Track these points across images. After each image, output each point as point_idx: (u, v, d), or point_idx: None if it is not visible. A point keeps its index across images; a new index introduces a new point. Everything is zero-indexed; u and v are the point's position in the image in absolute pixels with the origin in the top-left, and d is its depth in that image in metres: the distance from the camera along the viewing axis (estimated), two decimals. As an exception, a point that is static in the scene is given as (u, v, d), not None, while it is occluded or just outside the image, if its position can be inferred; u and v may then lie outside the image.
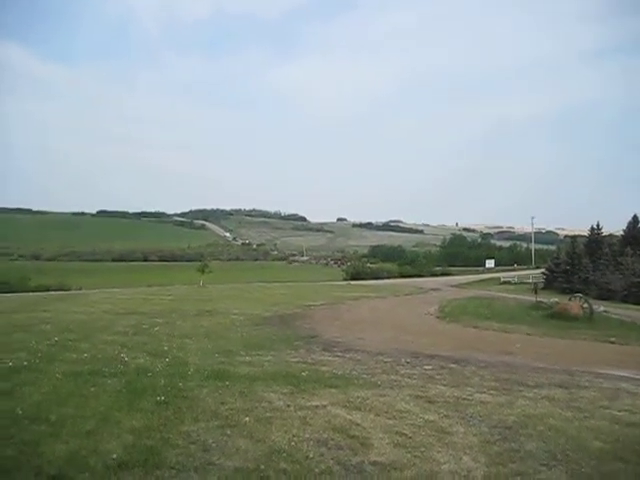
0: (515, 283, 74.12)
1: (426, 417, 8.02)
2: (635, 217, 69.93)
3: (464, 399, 9.26)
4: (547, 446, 6.82)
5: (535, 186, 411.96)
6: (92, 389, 8.76)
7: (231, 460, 6.00)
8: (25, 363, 10.65)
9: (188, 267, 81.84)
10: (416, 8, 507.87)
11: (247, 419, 7.51)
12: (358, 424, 7.56)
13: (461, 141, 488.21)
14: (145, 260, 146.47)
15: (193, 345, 14.22)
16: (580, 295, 28.80)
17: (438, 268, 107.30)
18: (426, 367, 12.49)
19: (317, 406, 8.42)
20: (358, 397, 9.06)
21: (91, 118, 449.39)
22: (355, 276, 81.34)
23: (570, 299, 28.05)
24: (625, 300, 50.66)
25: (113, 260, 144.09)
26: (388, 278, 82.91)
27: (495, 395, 9.69)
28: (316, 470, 5.79)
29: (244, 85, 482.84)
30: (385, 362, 12.98)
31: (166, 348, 13.32)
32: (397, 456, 6.32)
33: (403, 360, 13.33)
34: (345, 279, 78.72)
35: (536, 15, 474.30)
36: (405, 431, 7.32)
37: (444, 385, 10.44)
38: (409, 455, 6.36)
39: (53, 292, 43.07)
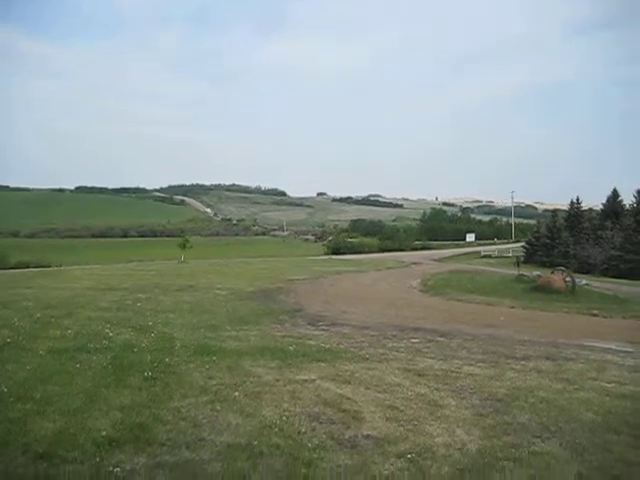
0: (495, 257, 74.29)
1: (416, 390, 7.97)
2: (615, 191, 70.30)
3: (453, 372, 9.23)
4: (539, 418, 6.79)
5: (515, 161, 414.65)
6: (77, 366, 8.62)
7: (222, 436, 5.91)
8: (8, 340, 10.47)
9: (168, 243, 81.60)
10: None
11: (236, 394, 7.42)
12: (349, 398, 7.50)
13: (442, 116, 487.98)
14: (125, 236, 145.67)
15: (178, 320, 14.09)
16: (562, 268, 28.88)
17: (418, 242, 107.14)
18: (413, 340, 12.46)
19: (306, 380, 8.35)
20: (347, 371, 9.01)
21: (68, 94, 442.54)
22: (336, 251, 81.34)
23: (552, 272, 28.15)
24: (605, 273, 50.95)
25: (93, 236, 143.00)
26: (369, 253, 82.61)
27: (483, 367, 9.67)
28: (309, 445, 5.71)
29: (229, 59, 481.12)
30: (372, 336, 12.93)
31: (151, 323, 13.19)
32: (390, 430, 6.26)
33: (389, 333, 13.30)
34: (326, 254, 78.68)
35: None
36: (397, 404, 7.27)
37: (432, 358, 10.40)
38: (402, 429, 6.30)
39: (33, 269, 42.58)
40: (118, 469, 5.02)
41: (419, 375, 8.91)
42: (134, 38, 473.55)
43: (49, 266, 47.83)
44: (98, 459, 5.18)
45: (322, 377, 8.55)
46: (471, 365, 9.83)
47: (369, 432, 6.17)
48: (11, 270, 41.20)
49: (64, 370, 8.37)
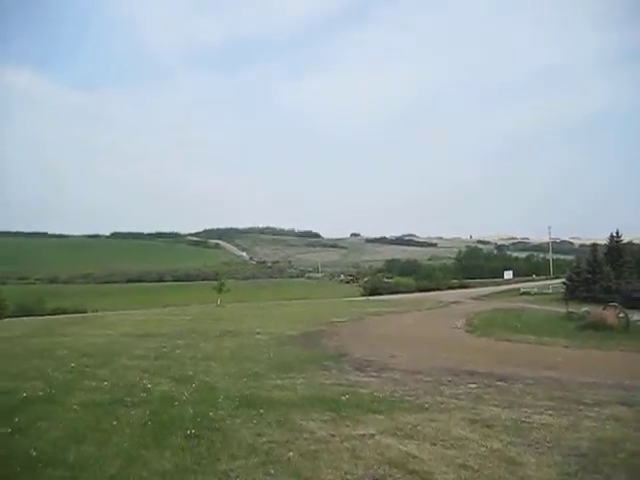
0: (535, 294, 72.90)
1: (488, 445, 7.16)
2: (656, 223, 68.84)
3: (523, 422, 8.39)
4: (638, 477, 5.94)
5: (548, 196, 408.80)
6: (114, 423, 7.94)
7: (280, 506, 5.17)
8: (40, 393, 9.91)
9: (204, 286, 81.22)
10: (427, 21, 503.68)
11: (290, 454, 6.67)
12: (415, 456, 6.71)
13: (472, 152, 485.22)
14: (160, 280, 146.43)
15: (219, 369, 13.38)
16: (615, 304, 27.74)
17: (455, 281, 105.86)
18: (470, 386, 11.61)
19: (364, 435, 7.57)
20: (407, 423, 8.22)
21: (104, 141, 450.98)
22: (373, 291, 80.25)
23: (604, 308, 27.03)
24: (651, 308, 49.46)
25: (128, 281, 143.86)
26: (405, 292, 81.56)
27: (555, 416, 8.80)
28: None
29: (257, 103, 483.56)
30: (425, 381, 12.10)
31: (191, 373, 12.51)
32: (470, 495, 5.47)
33: (444, 379, 12.46)
34: (363, 295, 77.72)
35: (549, 24, 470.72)
36: (470, 463, 6.47)
37: (496, 406, 9.55)
38: (483, 493, 5.50)
39: (70, 315, 42.46)
40: None
41: (487, 427, 8.08)
42: (170, 86, 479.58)
43: (86, 312, 47.84)
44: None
45: (381, 431, 7.77)
46: (541, 414, 8.96)
47: (446, 499, 5.38)
48: (48, 316, 41.07)
49: (100, 428, 7.71)
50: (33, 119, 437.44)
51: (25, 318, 37.31)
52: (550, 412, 9.08)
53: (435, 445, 7.17)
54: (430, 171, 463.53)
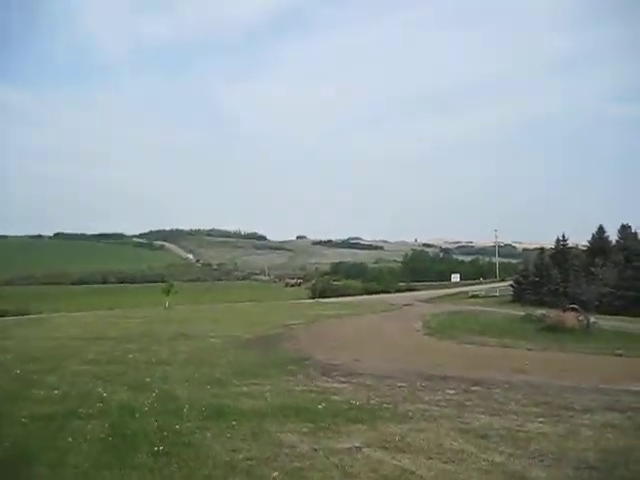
0: (484, 296, 73.56)
1: (489, 458, 6.52)
2: (601, 228, 69.88)
3: (518, 431, 7.82)
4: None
5: (491, 199, 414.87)
6: (69, 439, 6.99)
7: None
8: (-18, 404, 8.88)
9: (149, 288, 79.88)
10: (385, 27, 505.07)
11: (275, 474, 5.87)
12: (412, 472, 6.04)
13: (417, 156, 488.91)
14: (104, 282, 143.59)
15: (177, 374, 12.50)
16: (575, 306, 27.71)
17: (402, 284, 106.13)
18: (448, 391, 11.05)
19: (350, 448, 6.84)
20: (393, 434, 7.53)
21: (46, 141, 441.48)
22: (321, 294, 79.61)
23: (564, 311, 26.97)
24: (598, 310, 49.98)
25: (72, 283, 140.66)
26: (353, 295, 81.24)
27: (549, 424, 8.29)
28: None
29: (202, 106, 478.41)
30: (400, 387, 11.50)
31: (148, 379, 11.60)
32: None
33: (418, 384, 11.89)
34: (311, 297, 77.05)
35: (503, 28, 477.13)
36: (475, 480, 5.79)
37: (482, 413, 8.98)
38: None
39: (11, 317, 40.78)
40: None
41: (481, 437, 7.46)
42: (116, 84, 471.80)
43: (28, 314, 46.04)
44: None
45: (368, 444, 7.06)
46: (533, 422, 8.42)
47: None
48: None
49: (53, 445, 6.76)
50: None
51: (-38, 320, 35.58)
52: (541, 419, 8.57)
53: (432, 459, 6.48)
54: (377, 176, 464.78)
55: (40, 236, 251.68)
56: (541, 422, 8.35)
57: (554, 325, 24.71)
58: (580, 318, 25.21)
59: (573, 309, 26.91)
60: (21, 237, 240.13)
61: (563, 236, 69.54)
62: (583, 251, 71.15)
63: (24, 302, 57.20)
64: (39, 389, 10.39)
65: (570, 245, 71.34)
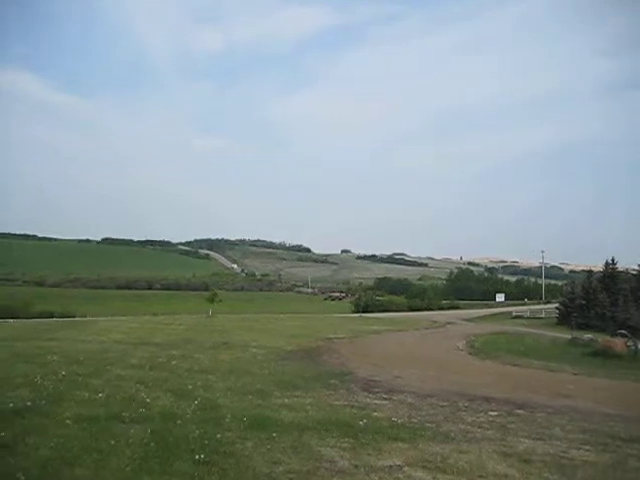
0: (527, 317, 72.50)
1: (534, 484, 6.35)
2: (652, 252, 68.71)
3: (562, 457, 7.62)
4: None
5: (539, 221, 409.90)
6: (111, 441, 7.05)
7: None
8: (28, 404, 9.00)
9: (193, 296, 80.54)
10: (426, 44, 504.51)
11: (315, 488, 5.84)
12: (454, 493, 5.91)
13: (466, 176, 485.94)
14: (149, 288, 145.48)
15: (219, 383, 12.54)
16: (624, 332, 27.13)
17: (446, 302, 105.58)
18: (491, 413, 10.83)
19: (391, 467, 6.76)
20: (435, 454, 7.41)
21: (99, 147, 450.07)
22: (365, 309, 79.48)
23: (613, 336, 26.44)
24: (646, 336, 49.04)
25: (117, 288, 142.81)
26: (397, 311, 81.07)
27: (594, 452, 8.04)
28: None
29: (250, 116, 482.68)
30: (441, 406, 11.32)
31: (190, 387, 11.64)
32: None
33: (461, 404, 11.69)
34: (354, 311, 76.97)
35: (548, 50, 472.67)
36: (519, 507, 5.67)
37: (526, 437, 8.76)
38: None
39: (58, 319, 41.45)
40: None
41: (525, 462, 7.28)
42: (164, 95, 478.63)
43: (74, 316, 46.82)
44: None
45: (409, 463, 6.95)
46: (578, 449, 8.18)
47: None
48: (34, 320, 40.02)
49: (96, 447, 6.81)
50: (32, 122, 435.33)
51: (11, 320, 36.22)
52: (587, 447, 8.31)
53: (474, 482, 6.37)
54: (424, 193, 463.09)
55: (88, 240, 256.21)
56: (586, 450, 8.12)
57: (601, 350, 24.20)
58: (628, 344, 24.68)
59: (621, 334, 26.33)
60: (70, 241, 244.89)
61: (612, 259, 68.43)
62: (633, 275, 69.82)
63: (70, 305, 58.26)
64: (83, 391, 10.51)
65: (619, 269, 70.12)
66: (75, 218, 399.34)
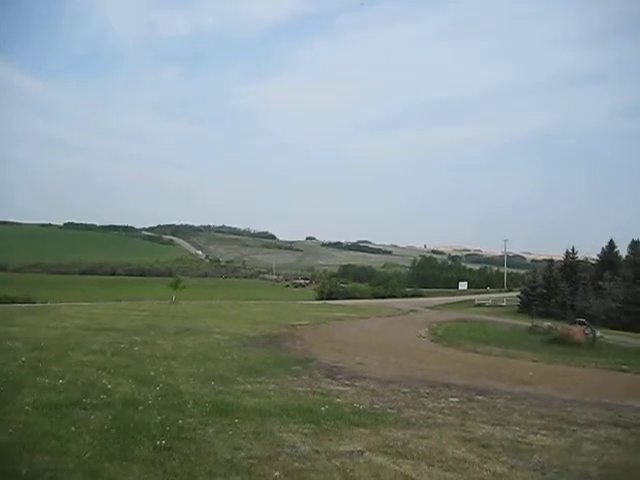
0: (489, 306, 73.42)
1: (491, 468, 6.45)
2: (611, 242, 69.94)
3: (520, 442, 7.75)
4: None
5: (503, 210, 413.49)
6: (72, 428, 7.01)
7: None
8: (-13, 390, 8.89)
9: (156, 282, 79.94)
10: (401, 30, 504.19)
11: (276, 473, 5.86)
12: (413, 478, 5.99)
13: (431, 165, 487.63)
14: (113, 274, 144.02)
15: (181, 369, 12.52)
16: (582, 320, 27.65)
17: (409, 289, 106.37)
18: (452, 399, 10.99)
19: (352, 452, 6.81)
20: (396, 439, 7.49)
21: (60, 131, 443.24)
22: (329, 295, 79.80)
23: (572, 324, 26.94)
24: (604, 325, 49.90)
25: (81, 273, 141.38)
26: (360, 298, 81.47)
27: (551, 437, 8.21)
28: None
29: (217, 102, 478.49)
30: (403, 393, 11.44)
31: (152, 373, 11.61)
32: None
33: (422, 391, 11.82)
34: (318, 298, 77.19)
35: (505, 42, 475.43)
36: (477, 490, 5.77)
37: (485, 423, 8.91)
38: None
39: (19, 304, 40.94)
40: None
41: (483, 447, 7.39)
42: (128, 78, 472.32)
43: (35, 302, 46.23)
44: None
45: (370, 448, 7.02)
46: (536, 434, 8.33)
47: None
48: (-5, 305, 39.47)
49: (56, 434, 6.76)
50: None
51: (-30, 305, 35.75)
52: (544, 432, 8.48)
53: (433, 466, 6.44)
54: (388, 181, 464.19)
55: (50, 225, 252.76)
56: (543, 435, 8.29)
57: (560, 338, 24.70)
58: (587, 332, 25.19)
59: (580, 322, 26.87)
60: (31, 225, 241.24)
61: (573, 249, 69.71)
62: (592, 265, 71.14)
63: (32, 290, 57.39)
64: (43, 377, 10.43)
65: (580, 258, 71.32)
66: (36, 202, 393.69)
